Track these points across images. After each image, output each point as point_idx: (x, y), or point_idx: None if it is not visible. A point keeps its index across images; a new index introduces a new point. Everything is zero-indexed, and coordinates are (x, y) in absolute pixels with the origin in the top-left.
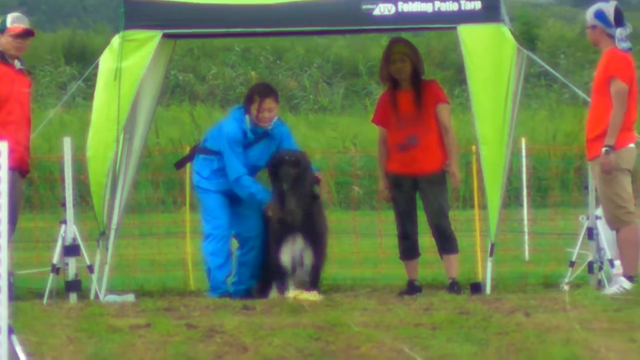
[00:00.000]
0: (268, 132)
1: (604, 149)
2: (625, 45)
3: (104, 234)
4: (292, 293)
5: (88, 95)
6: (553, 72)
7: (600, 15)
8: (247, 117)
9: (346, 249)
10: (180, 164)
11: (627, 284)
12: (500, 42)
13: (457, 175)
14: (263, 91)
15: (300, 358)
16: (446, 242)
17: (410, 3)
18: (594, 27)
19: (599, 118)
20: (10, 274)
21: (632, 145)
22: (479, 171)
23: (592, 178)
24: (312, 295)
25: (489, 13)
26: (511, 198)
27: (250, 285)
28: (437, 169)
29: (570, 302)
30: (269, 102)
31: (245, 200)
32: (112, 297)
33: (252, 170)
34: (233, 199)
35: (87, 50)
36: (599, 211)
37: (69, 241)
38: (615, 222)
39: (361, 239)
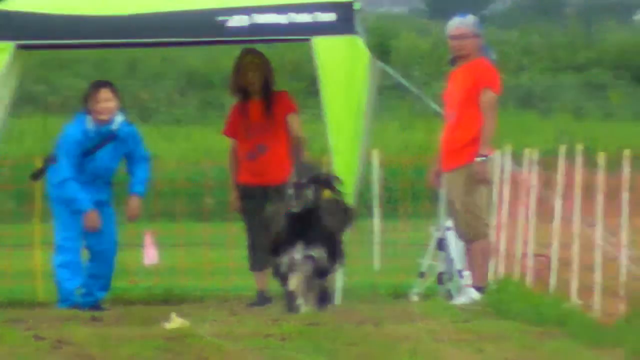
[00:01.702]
0: (114, 134)
1: (479, 158)
2: (494, 56)
3: None
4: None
5: None
6: (406, 83)
7: (480, 25)
8: (88, 117)
9: (197, 260)
10: (36, 176)
11: (476, 295)
12: (354, 54)
13: None
14: (97, 83)
15: None
16: None
17: (264, 14)
18: (475, 36)
19: (465, 128)
20: None
21: (491, 156)
22: None
23: (445, 189)
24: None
25: (343, 25)
26: (362, 209)
27: (99, 297)
28: (287, 178)
29: (419, 312)
30: (104, 92)
31: (99, 213)
32: None
33: (105, 173)
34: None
35: None
36: (449, 222)
37: None
38: (471, 233)
39: (212, 250)
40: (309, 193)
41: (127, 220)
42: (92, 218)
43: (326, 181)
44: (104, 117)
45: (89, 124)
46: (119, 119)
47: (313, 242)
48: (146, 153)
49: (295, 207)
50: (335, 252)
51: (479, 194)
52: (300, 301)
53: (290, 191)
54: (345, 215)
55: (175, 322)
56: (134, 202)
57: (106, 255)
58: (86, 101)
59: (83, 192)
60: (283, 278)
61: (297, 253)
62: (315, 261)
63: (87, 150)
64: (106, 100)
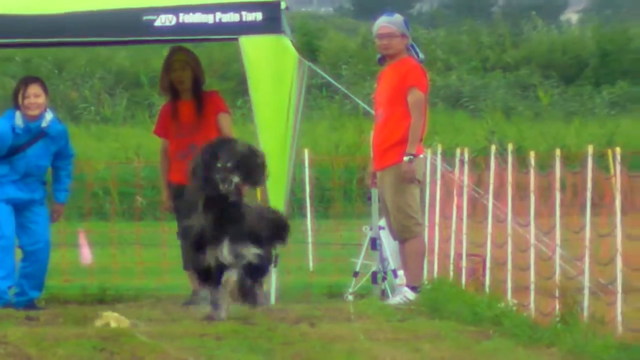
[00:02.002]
0: (44, 131)
1: (406, 157)
2: (422, 56)
3: None
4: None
5: None
6: (335, 83)
7: (407, 24)
8: (17, 113)
9: (129, 259)
10: None
11: (410, 295)
12: (282, 53)
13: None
14: (26, 79)
15: None
16: None
17: (191, 14)
18: (403, 35)
19: (393, 128)
20: None
21: (422, 156)
22: None
23: (378, 188)
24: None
25: (270, 24)
26: (295, 209)
27: (33, 297)
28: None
29: (354, 312)
30: (33, 87)
31: (27, 212)
32: None
33: (37, 171)
34: (19, 209)
35: None
36: (382, 221)
37: None
38: (404, 233)
39: (145, 250)
40: (235, 179)
41: (51, 222)
42: None
43: (254, 170)
44: (33, 112)
45: (18, 120)
46: (48, 116)
47: (242, 239)
48: (72, 152)
49: (219, 190)
50: (266, 253)
51: (410, 193)
52: (222, 314)
53: (217, 175)
54: (279, 230)
55: (106, 317)
56: (58, 209)
57: (39, 254)
58: (16, 97)
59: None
60: (205, 277)
61: (224, 251)
62: (246, 261)
63: (17, 147)
64: (35, 95)
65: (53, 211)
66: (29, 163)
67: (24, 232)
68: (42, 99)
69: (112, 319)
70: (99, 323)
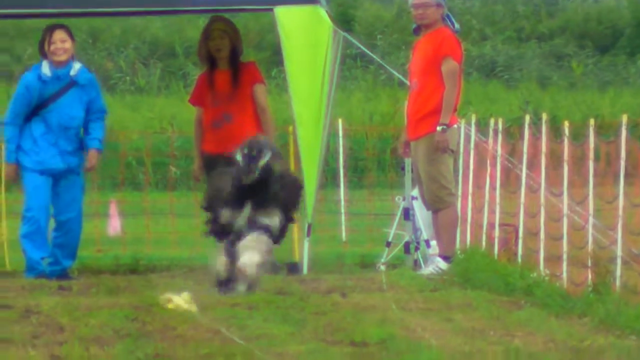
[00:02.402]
0: (74, 80)
1: (439, 127)
2: (458, 26)
3: None
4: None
5: None
6: (369, 53)
7: None
8: (44, 62)
9: (162, 229)
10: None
11: (443, 265)
12: (317, 24)
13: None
14: (51, 26)
15: (117, 338)
16: None
17: None
18: (438, 5)
19: (427, 97)
20: None
21: (456, 126)
22: (296, 152)
23: (411, 158)
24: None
25: None
26: (328, 179)
27: (66, 266)
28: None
29: (386, 282)
30: (59, 33)
31: (64, 181)
32: None
33: (71, 122)
34: (55, 178)
35: None
36: (415, 192)
37: None
38: (437, 203)
39: (178, 220)
40: (262, 164)
41: (85, 170)
42: (8, 172)
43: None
44: (60, 58)
45: (45, 68)
46: (77, 65)
47: (264, 207)
48: (105, 107)
49: (247, 179)
50: (284, 224)
51: (443, 163)
52: (242, 287)
53: (242, 161)
54: (296, 191)
55: (176, 300)
56: (93, 155)
57: (72, 224)
58: (41, 46)
59: (15, 142)
60: (221, 234)
61: (244, 218)
62: (265, 229)
63: (47, 98)
64: (62, 40)
65: (88, 158)
66: (61, 114)
67: (57, 202)
68: (68, 44)
69: (183, 302)
70: (171, 305)
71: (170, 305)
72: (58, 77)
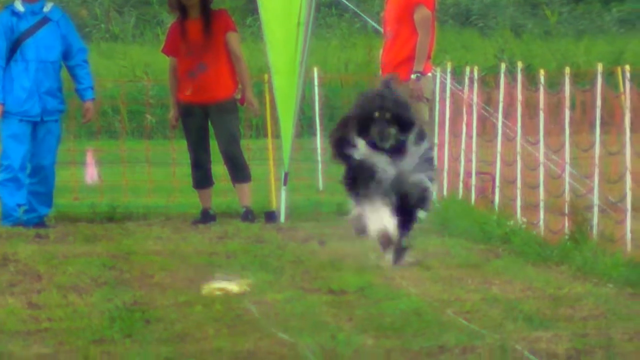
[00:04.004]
0: (47, 17)
1: (413, 75)
2: None
3: None
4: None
5: None
6: (344, 1)
7: None
8: (16, 1)
9: (139, 178)
10: None
11: (420, 213)
12: None
13: (254, 103)
14: None
15: (94, 286)
16: (239, 171)
17: None
18: None
19: (401, 46)
20: None
21: (430, 74)
22: (272, 100)
23: None
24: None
25: None
26: (304, 127)
27: (42, 213)
28: (227, 96)
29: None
30: None
31: (42, 128)
32: None
33: (48, 55)
34: (33, 125)
35: None
36: None
37: None
38: None
39: (154, 168)
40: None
41: (84, 122)
42: None
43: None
44: None
45: (18, 4)
46: (49, 3)
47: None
48: (84, 45)
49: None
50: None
51: (418, 111)
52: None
53: (375, 129)
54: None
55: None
56: (89, 107)
57: (47, 171)
58: None
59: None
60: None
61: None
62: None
63: (23, 32)
64: None
65: (84, 110)
66: (38, 48)
67: (34, 148)
68: None
69: (227, 284)
70: (216, 291)
71: (218, 292)
72: (32, 12)
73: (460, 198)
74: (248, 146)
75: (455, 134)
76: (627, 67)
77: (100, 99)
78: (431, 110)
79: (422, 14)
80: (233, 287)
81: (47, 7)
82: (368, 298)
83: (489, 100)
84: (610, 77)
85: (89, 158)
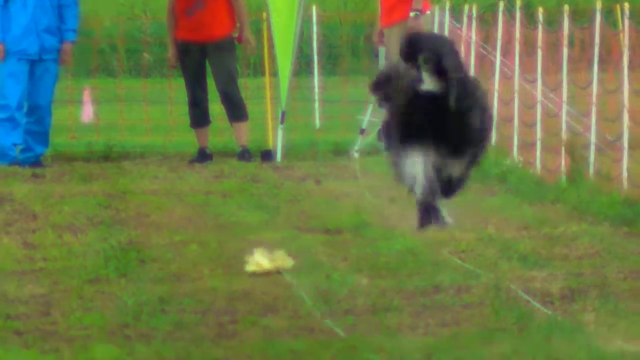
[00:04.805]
0: None
1: (412, 13)
2: None
3: None
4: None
5: None
6: None
7: None
8: None
9: (136, 117)
10: None
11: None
12: None
13: (251, 42)
14: None
15: (90, 226)
16: (236, 110)
17: None
18: None
19: None
20: None
21: (429, 12)
22: (270, 38)
23: (385, 45)
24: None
25: None
26: (302, 66)
27: (39, 152)
28: (225, 35)
29: (360, 169)
30: None
31: (40, 67)
32: None
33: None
34: (32, 64)
35: None
36: None
37: None
38: None
39: (152, 107)
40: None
41: (61, 64)
42: None
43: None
44: None
45: None
46: None
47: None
48: None
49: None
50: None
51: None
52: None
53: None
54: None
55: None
56: (68, 47)
57: (43, 111)
58: None
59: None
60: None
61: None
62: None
63: None
64: None
65: (62, 51)
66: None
67: (31, 87)
68: None
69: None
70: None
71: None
72: None
73: None
74: (245, 85)
75: None
76: (626, 5)
77: (98, 37)
78: None
79: None
80: (273, 263)
81: None
82: (364, 238)
83: (487, 39)
84: (609, 14)
85: (86, 96)
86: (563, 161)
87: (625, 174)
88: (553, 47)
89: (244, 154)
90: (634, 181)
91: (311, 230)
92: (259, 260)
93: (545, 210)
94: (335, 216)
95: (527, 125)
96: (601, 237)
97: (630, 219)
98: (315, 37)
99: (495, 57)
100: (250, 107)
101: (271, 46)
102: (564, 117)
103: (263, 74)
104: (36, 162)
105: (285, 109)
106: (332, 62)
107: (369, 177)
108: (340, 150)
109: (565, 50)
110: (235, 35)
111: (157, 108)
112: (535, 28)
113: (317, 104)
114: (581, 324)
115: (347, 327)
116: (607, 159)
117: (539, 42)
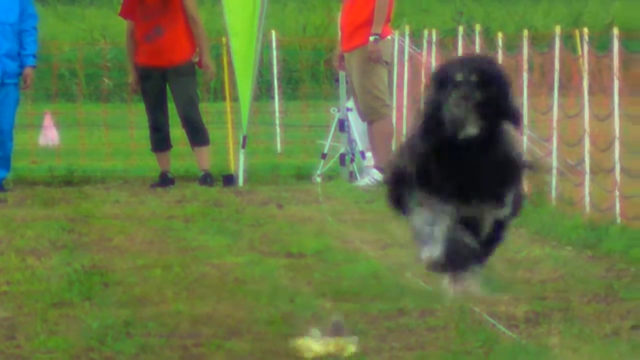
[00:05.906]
0: None
1: (372, 38)
2: None
3: None
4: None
5: None
6: None
7: None
8: None
9: (97, 141)
10: None
11: (378, 176)
12: None
13: (210, 67)
14: None
15: (53, 250)
16: (197, 134)
17: None
18: None
19: (360, 9)
20: None
21: (389, 37)
22: (230, 63)
23: (346, 69)
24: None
25: None
26: (262, 90)
27: (0, 177)
28: (185, 60)
29: (322, 193)
30: None
31: (1, 91)
32: None
33: (5, 17)
34: None
35: None
36: (350, 103)
37: None
38: (371, 114)
39: (112, 131)
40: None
41: (22, 89)
42: None
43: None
44: None
45: None
46: None
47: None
48: (36, 12)
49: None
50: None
51: (376, 74)
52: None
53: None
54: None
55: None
56: (28, 73)
57: (4, 135)
58: None
59: None
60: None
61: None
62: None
63: None
64: None
65: (23, 76)
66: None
67: None
68: None
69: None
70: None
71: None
72: None
73: None
74: (206, 109)
75: (414, 97)
76: (585, 30)
77: (57, 62)
78: (390, 73)
79: None
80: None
81: None
82: (326, 262)
83: None
84: (568, 39)
85: (47, 121)
86: (525, 186)
87: (587, 198)
88: (513, 72)
89: (206, 179)
90: (596, 205)
91: (274, 254)
92: (312, 346)
93: (508, 235)
94: (298, 240)
95: None
96: (564, 261)
97: (593, 243)
98: (275, 61)
99: None
100: (212, 131)
101: (231, 71)
102: (524, 142)
103: (224, 98)
104: None
105: (247, 133)
106: (292, 87)
107: (331, 202)
108: (302, 175)
109: (525, 75)
110: (196, 60)
111: (118, 133)
112: (495, 53)
113: (278, 129)
114: (546, 347)
115: None
116: (569, 183)
117: None
